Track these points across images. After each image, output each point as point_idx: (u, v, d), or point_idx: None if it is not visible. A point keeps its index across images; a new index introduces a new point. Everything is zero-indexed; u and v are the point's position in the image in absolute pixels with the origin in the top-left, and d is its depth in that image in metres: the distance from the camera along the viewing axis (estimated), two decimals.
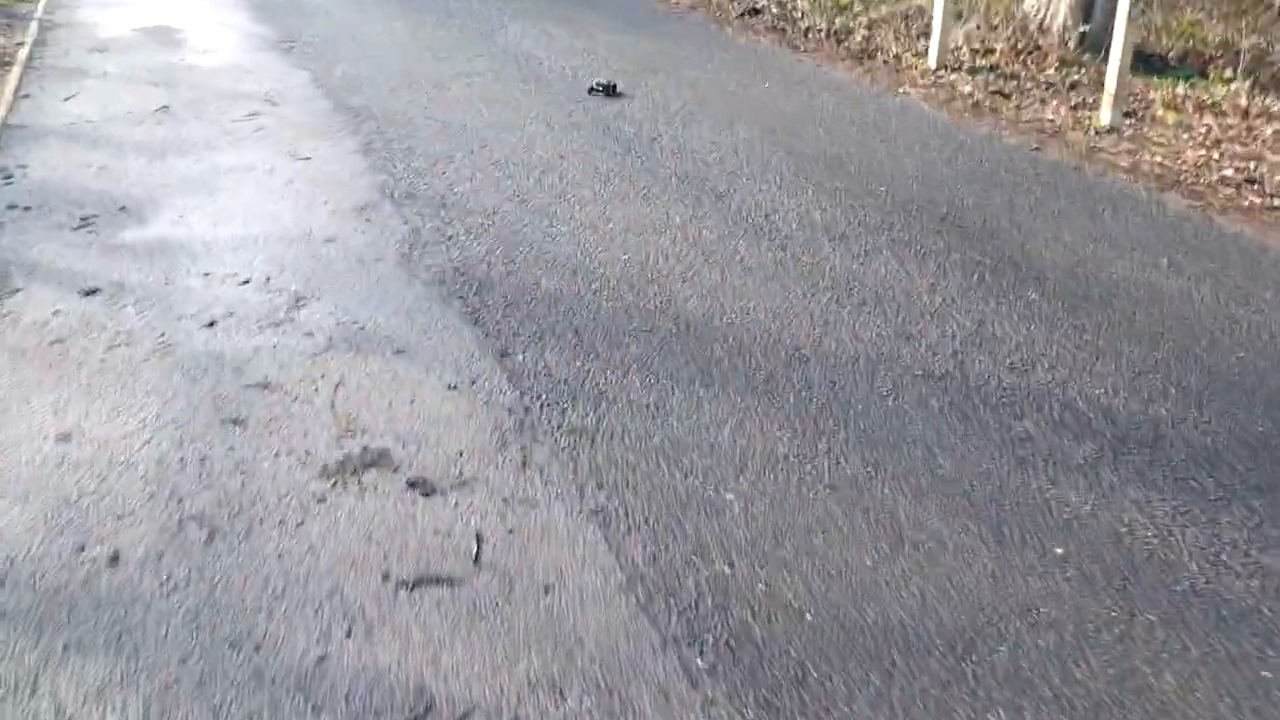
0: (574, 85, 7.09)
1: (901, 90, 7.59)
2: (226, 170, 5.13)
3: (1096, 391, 3.36)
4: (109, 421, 2.99)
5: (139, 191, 4.80)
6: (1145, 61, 8.24)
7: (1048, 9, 8.81)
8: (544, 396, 3.18)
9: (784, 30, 9.56)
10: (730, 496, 2.72)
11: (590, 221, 4.66)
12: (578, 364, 3.39)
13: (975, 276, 4.20)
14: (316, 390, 3.19)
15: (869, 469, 2.87)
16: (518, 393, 3.20)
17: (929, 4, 9.49)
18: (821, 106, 6.94)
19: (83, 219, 4.45)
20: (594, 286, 3.99)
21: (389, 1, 9.76)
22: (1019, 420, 3.17)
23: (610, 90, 7.15)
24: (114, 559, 2.43)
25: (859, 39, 9.13)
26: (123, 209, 4.58)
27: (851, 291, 4.02)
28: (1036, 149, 6.27)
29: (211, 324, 3.58)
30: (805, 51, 8.81)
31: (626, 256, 4.28)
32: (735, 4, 10.44)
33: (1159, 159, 6.19)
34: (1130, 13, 6.49)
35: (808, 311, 3.83)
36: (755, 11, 10.11)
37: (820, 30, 9.42)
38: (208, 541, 2.49)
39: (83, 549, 2.45)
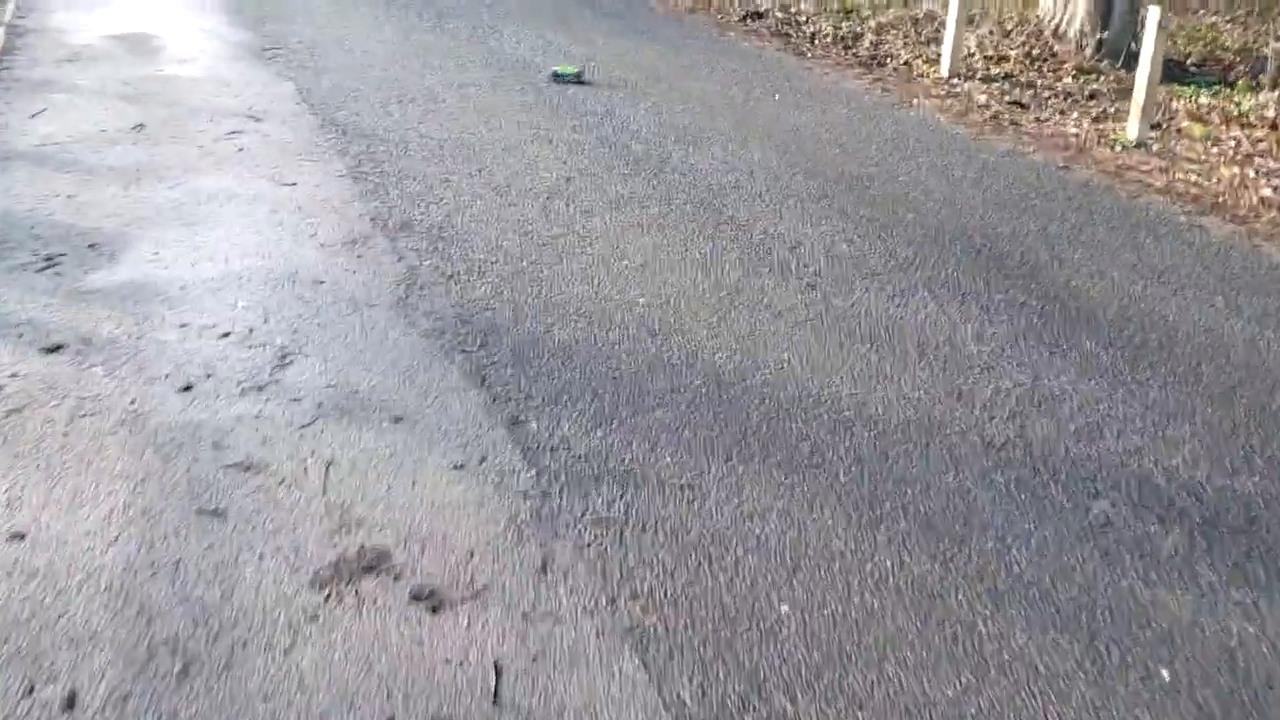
0: (577, 98, 6.71)
1: (916, 101, 7.25)
2: (206, 198, 4.74)
3: (1174, 462, 3.02)
4: (70, 514, 2.61)
5: (111, 224, 4.40)
6: (1165, 68, 7.91)
7: (1063, 15, 8.48)
8: (563, 477, 2.82)
9: (789, 35, 9.20)
10: (785, 608, 2.36)
11: (603, 256, 4.29)
12: (599, 434, 3.03)
13: (1022, 321, 3.86)
14: (305, 471, 2.81)
15: (938, 567, 2.52)
16: (533, 472, 2.83)
17: (940, 9, 9.14)
18: (835, 120, 6.58)
19: (48, 259, 4.05)
20: (611, 336, 3.63)
21: (376, 4, 9.35)
22: (1095, 499, 2.82)
23: (578, 78, 6.95)
24: (69, 702, 2.06)
25: (867, 45, 8.78)
26: (92, 246, 4.19)
27: (892, 340, 3.67)
28: (1064, 167, 5.93)
29: (188, 387, 3.20)
30: (812, 58, 8.46)
31: (645, 299, 3.92)
32: (736, 7, 10.07)
33: (1193, 178, 5.86)
34: (1161, 22, 6.15)
35: (847, 365, 3.48)
36: (758, 15, 9.75)
37: (826, 36, 9.07)
38: (181, 676, 2.12)
39: (33, 689, 2.08)
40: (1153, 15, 6.22)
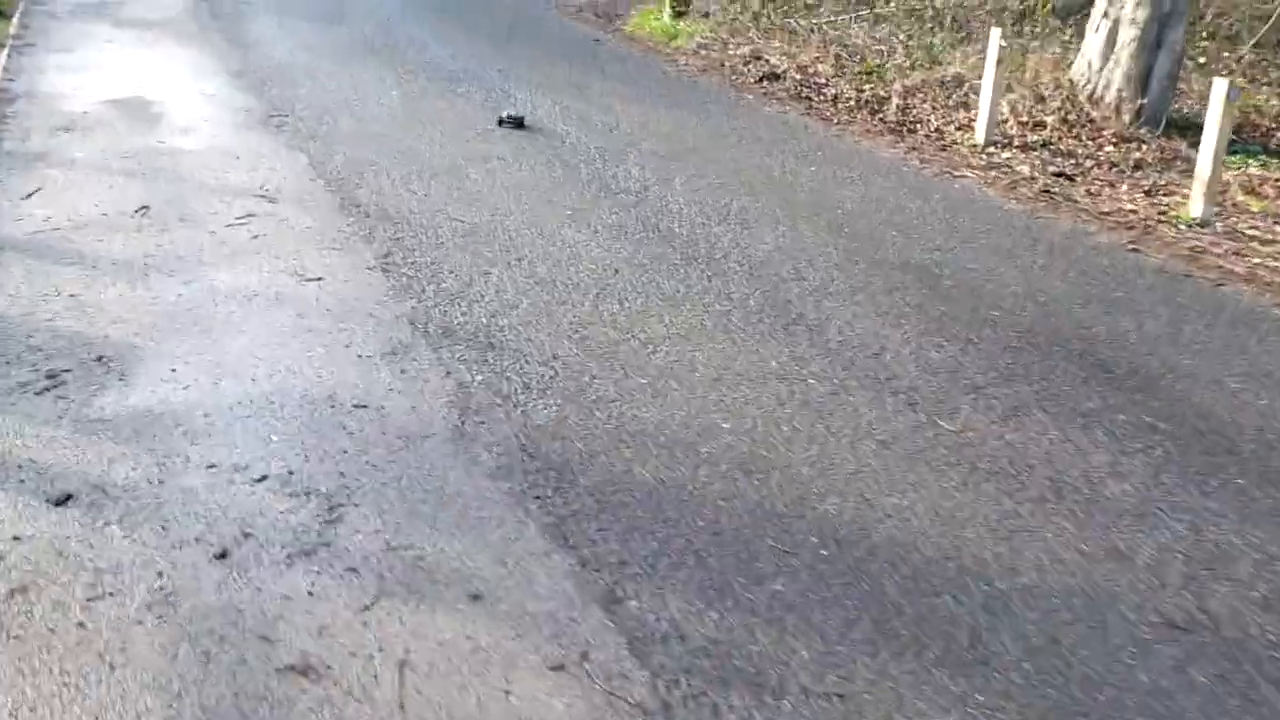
0: (607, 174, 6.28)
1: (959, 174, 6.87)
2: (223, 296, 4.25)
3: None
4: None
5: (119, 332, 3.90)
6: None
7: (1099, 79, 8.16)
8: (684, 682, 2.34)
9: (810, 99, 8.85)
10: None
11: (670, 368, 3.83)
12: (714, 616, 2.55)
13: (1157, 451, 3.42)
14: (375, 676, 2.32)
15: None
16: (647, 674, 2.35)
17: (966, 71, 8.82)
18: (880, 196, 6.19)
19: (49, 376, 3.55)
20: (701, 475, 3.16)
21: (382, 65, 8.93)
22: None
23: (519, 123, 7.17)
24: None
25: (894, 110, 8.43)
26: (100, 359, 3.69)
27: (1021, 478, 3.22)
28: (1133, 248, 5.55)
29: (223, 554, 2.70)
30: (839, 124, 8.10)
31: (729, 425, 3.46)
32: (750, 69, 9.72)
33: (1271, 262, 5.48)
34: (1230, 94, 5.81)
35: (980, 514, 3.02)
36: (775, 77, 9.39)
37: (849, 99, 8.72)
38: None
39: None
40: (1219, 88, 5.88)
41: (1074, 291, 4.81)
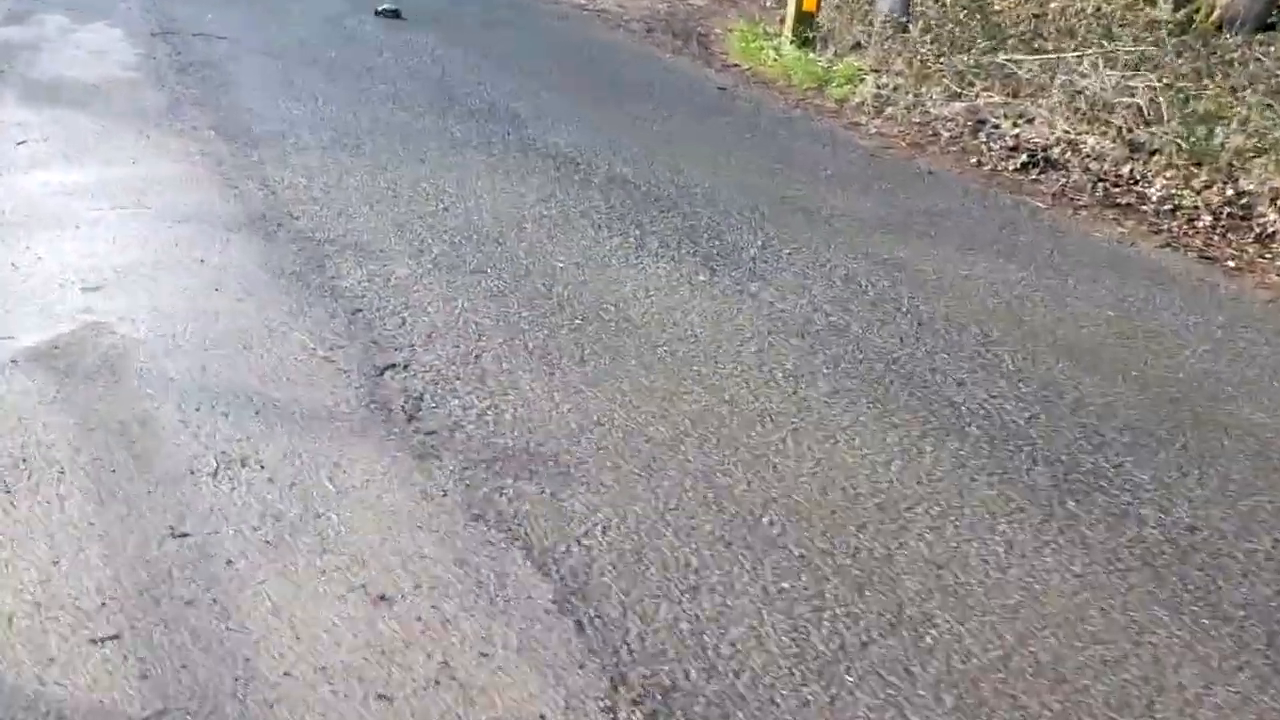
0: (1122, 529, 2.68)
1: None
2: None
3: None
4: None
5: None
6: None
7: None
8: None
9: (1132, 207, 5.34)
10: None
11: None
12: None
13: None
14: None
15: None
16: None
17: None
18: None
19: None
20: None
21: (487, 178, 5.02)
22: None
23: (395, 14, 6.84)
24: None
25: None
26: None
27: None
28: None
29: None
30: (1240, 269, 4.63)
31: None
32: (984, 142, 6.11)
33: None
34: None
35: None
36: (1048, 163, 5.81)
37: (1194, 208, 5.22)
38: None
39: None
40: None
41: None
